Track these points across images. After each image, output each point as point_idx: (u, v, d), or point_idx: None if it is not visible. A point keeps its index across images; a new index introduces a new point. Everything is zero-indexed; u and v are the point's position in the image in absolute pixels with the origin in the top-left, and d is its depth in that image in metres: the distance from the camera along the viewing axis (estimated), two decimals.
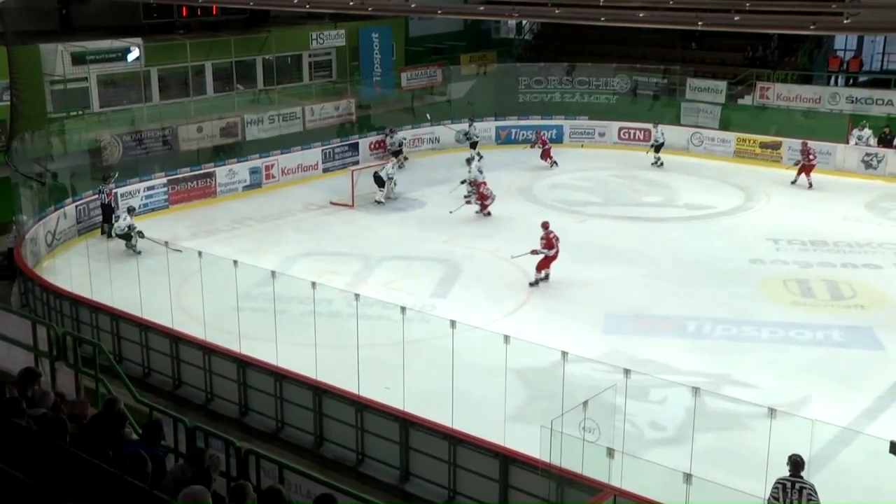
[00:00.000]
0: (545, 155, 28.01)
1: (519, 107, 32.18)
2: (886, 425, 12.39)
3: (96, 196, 21.52)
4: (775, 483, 9.47)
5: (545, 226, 18.29)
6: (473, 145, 27.87)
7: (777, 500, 9.36)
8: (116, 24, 27.92)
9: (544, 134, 28.98)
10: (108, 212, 21.20)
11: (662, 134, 27.99)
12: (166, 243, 16.54)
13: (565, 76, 32.71)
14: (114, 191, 21.77)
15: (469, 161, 24.49)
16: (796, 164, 25.11)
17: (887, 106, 28.24)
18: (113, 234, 20.30)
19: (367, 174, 24.41)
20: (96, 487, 4.54)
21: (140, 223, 21.69)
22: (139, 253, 19.38)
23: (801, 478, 9.43)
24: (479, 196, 22.88)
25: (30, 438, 5.96)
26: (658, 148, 27.85)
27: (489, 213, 22.84)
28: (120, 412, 7.87)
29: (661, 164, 27.57)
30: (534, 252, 18.02)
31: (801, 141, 25.79)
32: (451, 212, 22.66)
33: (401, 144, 28.16)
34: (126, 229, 19.86)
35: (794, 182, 25.23)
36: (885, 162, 26.35)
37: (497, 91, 33.19)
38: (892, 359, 14.95)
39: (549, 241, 17.96)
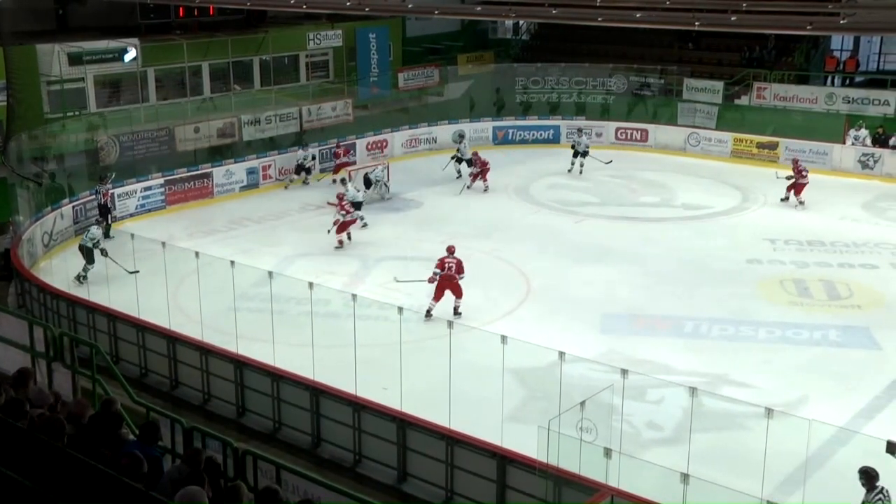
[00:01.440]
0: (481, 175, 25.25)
1: (516, 107, 32.17)
2: (883, 425, 12.41)
3: (93, 196, 21.51)
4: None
5: (449, 250, 16.62)
6: (464, 161, 25.95)
7: None
8: (113, 25, 27.91)
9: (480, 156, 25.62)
10: (105, 212, 21.15)
11: (586, 141, 26.81)
12: (131, 271, 16.52)
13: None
14: (110, 191, 21.74)
15: (461, 137, 25.63)
16: (788, 179, 23.75)
17: (883, 106, 28.28)
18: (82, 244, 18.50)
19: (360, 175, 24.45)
20: (93, 488, 4.54)
21: (137, 224, 21.75)
22: (83, 280, 17.82)
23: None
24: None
25: (26, 439, 5.95)
26: (578, 154, 26.55)
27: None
28: (117, 413, 7.86)
29: (581, 171, 26.46)
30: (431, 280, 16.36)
31: (793, 159, 24.71)
32: (459, 193, 24.47)
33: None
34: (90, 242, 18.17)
35: (784, 199, 23.74)
36: (882, 162, 26.39)
37: (494, 91, 33.19)
38: (889, 358, 14.97)
39: (442, 264, 16.24)
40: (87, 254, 18.14)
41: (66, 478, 4.61)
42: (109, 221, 21.05)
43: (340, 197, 21.00)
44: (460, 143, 26.85)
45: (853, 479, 9.67)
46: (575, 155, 26.64)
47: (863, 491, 9.57)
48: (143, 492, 5.02)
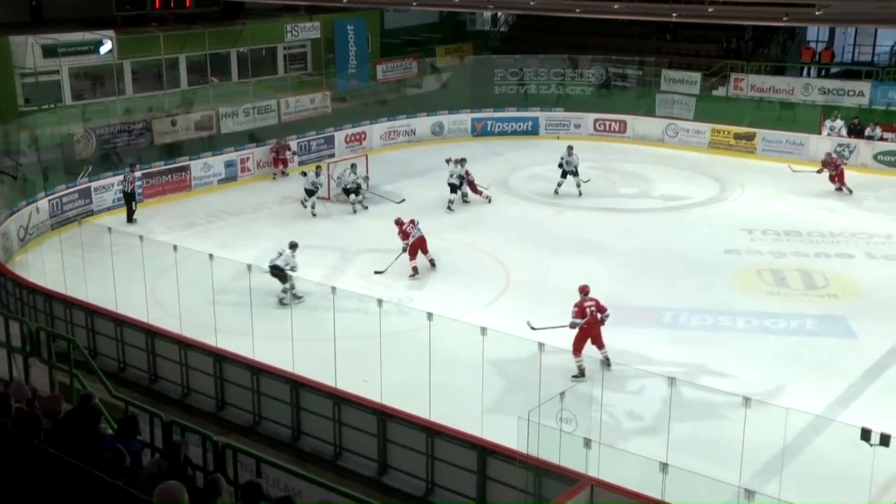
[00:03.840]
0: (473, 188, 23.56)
1: (495, 99, 32.18)
2: (858, 413, 12.53)
3: (119, 183, 22.27)
4: None
5: (583, 290, 14.38)
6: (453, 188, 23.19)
7: None
8: (88, 17, 27.64)
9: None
10: (130, 200, 21.99)
11: (576, 161, 23.97)
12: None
13: (567, 68, 32.56)
14: (136, 180, 22.39)
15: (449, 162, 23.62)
16: (819, 172, 24.11)
17: (858, 97, 28.52)
18: None
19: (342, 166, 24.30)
20: (70, 485, 4.51)
21: (114, 217, 21.61)
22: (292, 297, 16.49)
23: None
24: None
25: (2, 435, 5.90)
26: (567, 174, 23.95)
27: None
28: (95, 407, 7.82)
29: (580, 193, 23.87)
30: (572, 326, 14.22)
31: (826, 153, 24.80)
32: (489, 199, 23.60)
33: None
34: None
35: (839, 189, 23.96)
36: (857, 152, 26.62)
37: (473, 83, 33.18)
38: (865, 347, 15.12)
39: (582, 311, 14.07)
40: (279, 273, 16.66)
41: (44, 474, 4.58)
42: (133, 208, 22.00)
43: (400, 223, 18.64)
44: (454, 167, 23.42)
45: (829, 466, 9.79)
46: (563, 175, 23.91)
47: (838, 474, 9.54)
48: (121, 488, 4.99)
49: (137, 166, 22.94)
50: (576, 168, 23.94)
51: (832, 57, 32.21)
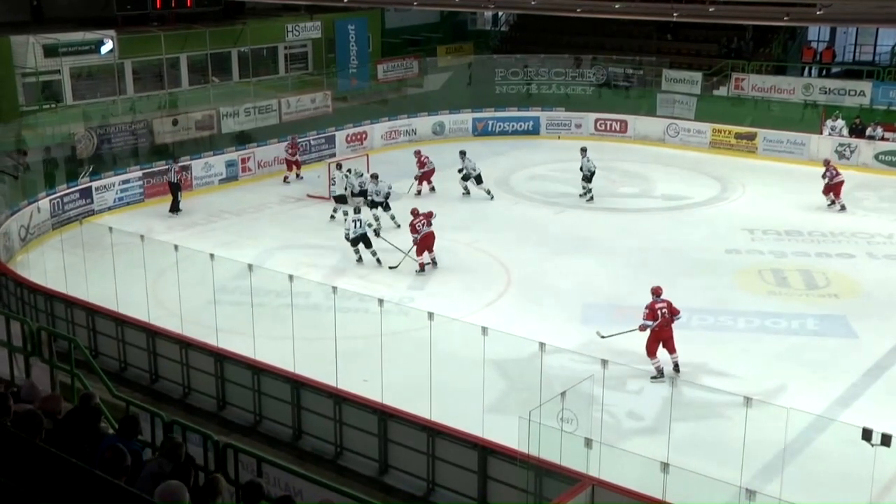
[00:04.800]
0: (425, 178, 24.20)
1: (496, 98, 32.17)
2: (859, 412, 12.53)
3: (165, 174, 23.10)
4: None
5: (655, 292, 14.13)
6: (466, 178, 23.88)
7: None
8: (89, 16, 27.63)
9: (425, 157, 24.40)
10: (176, 190, 22.67)
11: (590, 160, 23.43)
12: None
13: (570, 68, 32.53)
14: (182, 170, 23.29)
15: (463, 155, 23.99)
16: (822, 178, 22.74)
17: (859, 97, 28.53)
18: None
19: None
20: (71, 484, 4.51)
21: (115, 217, 21.61)
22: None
23: None
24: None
25: (4, 435, 5.90)
26: (588, 178, 23.52)
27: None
28: (95, 407, 7.82)
29: (591, 198, 23.45)
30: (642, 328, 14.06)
31: (824, 160, 23.45)
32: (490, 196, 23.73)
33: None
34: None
35: (831, 204, 22.61)
36: (858, 152, 26.62)
37: (474, 83, 33.17)
38: (865, 347, 15.12)
39: (654, 313, 13.89)
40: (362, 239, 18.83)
41: (45, 474, 4.57)
42: (179, 198, 22.69)
43: (415, 214, 18.73)
44: (464, 161, 23.95)
45: (830, 466, 9.79)
46: (585, 179, 23.50)
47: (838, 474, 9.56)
48: (122, 487, 4.99)
49: (180, 159, 23.83)
50: (591, 172, 23.42)
51: (833, 57, 32.22)
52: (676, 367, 13.88)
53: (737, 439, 10.06)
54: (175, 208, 22.70)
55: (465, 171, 23.82)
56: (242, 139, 26.92)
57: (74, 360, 10.33)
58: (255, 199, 24.01)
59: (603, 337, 14.12)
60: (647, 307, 13.90)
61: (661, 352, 13.96)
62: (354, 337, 13.04)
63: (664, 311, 13.81)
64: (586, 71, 32.45)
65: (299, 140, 26.65)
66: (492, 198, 23.60)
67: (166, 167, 23.27)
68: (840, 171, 22.93)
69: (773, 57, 32.02)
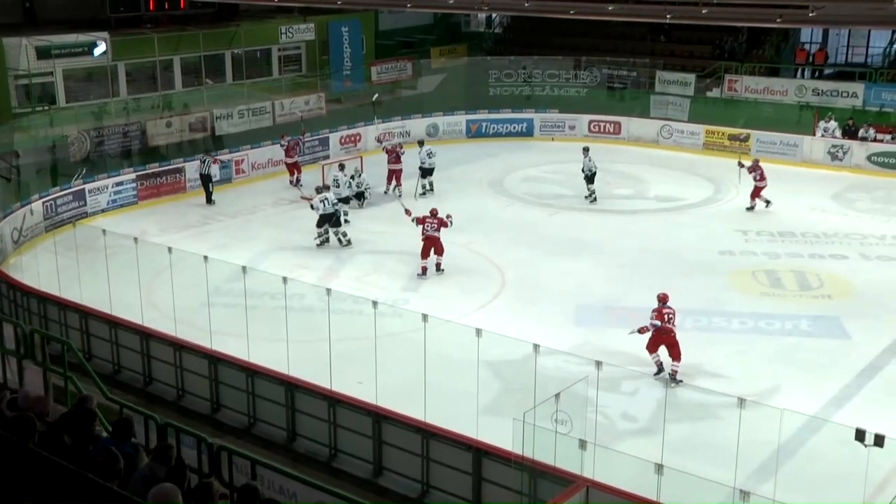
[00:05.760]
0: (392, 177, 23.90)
1: (489, 100, 32.20)
2: (853, 413, 12.55)
3: (198, 165, 23.67)
4: None
5: (662, 299, 14.38)
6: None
7: None
8: (82, 18, 27.58)
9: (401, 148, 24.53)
10: (207, 182, 23.45)
11: (591, 160, 23.47)
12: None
13: (562, 70, 32.53)
14: (217, 160, 24.11)
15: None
16: (744, 169, 22.44)
17: (852, 98, 28.62)
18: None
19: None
20: (63, 487, 4.50)
21: (109, 219, 21.58)
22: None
23: None
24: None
25: None
26: (590, 178, 23.49)
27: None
28: (90, 409, 7.80)
29: (595, 199, 23.48)
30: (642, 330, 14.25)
31: (754, 161, 22.91)
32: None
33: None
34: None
35: (751, 209, 22.50)
36: (851, 153, 26.69)
37: (467, 84, 33.19)
38: (858, 348, 15.15)
39: (662, 317, 14.04)
40: (326, 219, 19.86)
41: (37, 477, 4.56)
42: (211, 189, 23.35)
43: (433, 213, 18.59)
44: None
45: (824, 466, 9.80)
46: (587, 179, 23.49)
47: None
48: (114, 491, 4.98)
49: (213, 152, 24.48)
50: (592, 173, 23.38)
51: (826, 58, 32.30)
52: (672, 376, 13.83)
53: (731, 440, 10.08)
54: (209, 200, 23.49)
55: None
56: (291, 130, 26.68)
57: (68, 362, 10.31)
58: (248, 201, 23.97)
59: (630, 333, 14.15)
60: (654, 310, 14.05)
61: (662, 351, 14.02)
62: (348, 339, 13.04)
63: (670, 315, 14.00)
64: (580, 73, 32.48)
65: (290, 137, 26.49)
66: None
67: (200, 160, 23.81)
68: (766, 176, 22.35)
69: (766, 59, 32.10)
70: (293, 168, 25.24)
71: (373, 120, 28.88)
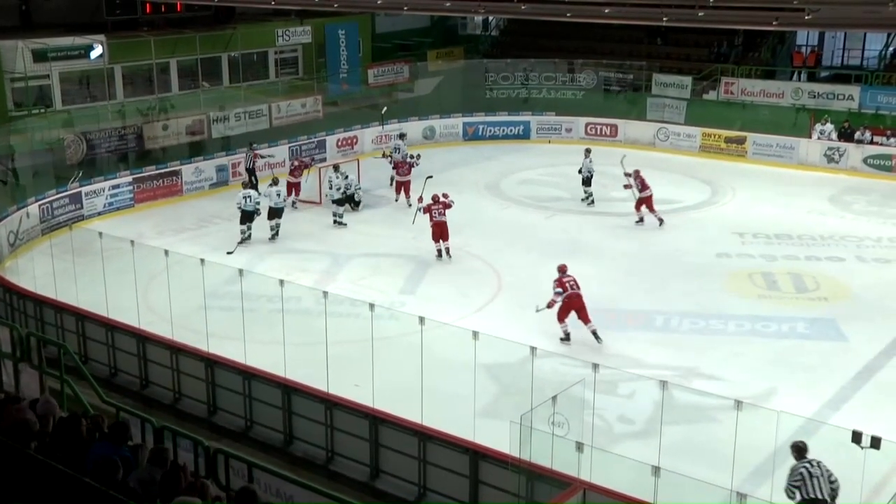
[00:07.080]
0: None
1: (486, 103, 32.21)
2: (849, 415, 12.57)
3: (241, 160, 24.81)
4: (793, 473, 9.35)
5: (562, 269, 15.56)
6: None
7: (800, 487, 9.26)
8: (78, 21, 27.58)
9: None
10: (251, 174, 24.28)
11: (591, 162, 23.51)
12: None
13: (558, 72, 32.57)
14: (259, 155, 24.78)
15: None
16: (627, 188, 21.73)
17: (848, 101, 28.68)
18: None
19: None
20: (62, 492, 4.50)
21: (105, 222, 21.55)
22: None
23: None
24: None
25: None
26: (587, 181, 23.51)
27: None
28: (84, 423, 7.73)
29: (592, 201, 23.50)
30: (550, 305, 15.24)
31: (634, 170, 21.68)
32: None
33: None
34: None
35: (639, 222, 21.62)
36: (847, 156, 26.74)
37: (464, 87, 33.21)
38: (855, 350, 15.17)
39: (563, 285, 15.25)
40: (248, 217, 20.48)
41: (35, 481, 4.56)
42: (254, 182, 23.41)
43: (435, 199, 19.31)
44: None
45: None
46: (585, 181, 23.57)
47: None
48: (113, 496, 4.98)
49: (255, 145, 25.01)
50: (590, 174, 23.38)
51: (820, 61, 32.37)
52: (595, 336, 14.98)
53: (727, 442, 10.08)
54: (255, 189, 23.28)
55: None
56: (287, 134, 27.16)
57: (64, 365, 10.29)
58: None
59: (538, 310, 15.11)
60: (555, 281, 15.28)
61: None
62: (345, 341, 13.02)
63: (571, 283, 15.17)
64: (577, 75, 32.50)
65: (290, 144, 26.51)
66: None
67: (242, 154, 24.69)
68: (648, 184, 21.45)
69: (763, 61, 32.16)
70: (293, 188, 23.60)
71: (382, 130, 28.81)
